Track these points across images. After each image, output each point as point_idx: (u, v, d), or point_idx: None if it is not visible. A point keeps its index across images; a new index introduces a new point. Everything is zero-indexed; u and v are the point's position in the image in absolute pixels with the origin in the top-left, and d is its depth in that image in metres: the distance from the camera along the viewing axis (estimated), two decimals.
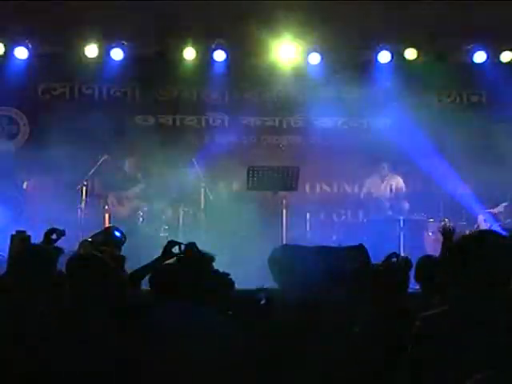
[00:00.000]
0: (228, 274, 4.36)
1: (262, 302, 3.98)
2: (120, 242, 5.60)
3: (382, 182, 10.93)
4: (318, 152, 11.12)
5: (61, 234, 4.79)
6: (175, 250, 4.47)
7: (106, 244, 5.04)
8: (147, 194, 10.32)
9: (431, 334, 3.18)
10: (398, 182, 10.87)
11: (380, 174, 10.96)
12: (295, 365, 3.86)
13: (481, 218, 10.28)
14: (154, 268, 4.29)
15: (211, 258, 4.15)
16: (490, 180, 10.56)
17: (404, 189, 10.84)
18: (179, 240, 4.69)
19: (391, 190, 10.77)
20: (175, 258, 4.41)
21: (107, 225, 9.80)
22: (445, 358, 3.13)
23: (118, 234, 5.78)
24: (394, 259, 4.84)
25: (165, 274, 3.94)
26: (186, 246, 4.54)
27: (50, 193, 10.43)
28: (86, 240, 5.56)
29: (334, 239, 10.69)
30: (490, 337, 2.90)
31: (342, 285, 4.28)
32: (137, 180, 10.49)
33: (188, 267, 3.93)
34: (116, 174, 10.40)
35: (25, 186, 10.51)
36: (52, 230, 4.75)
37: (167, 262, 4.38)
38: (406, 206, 10.66)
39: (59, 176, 10.52)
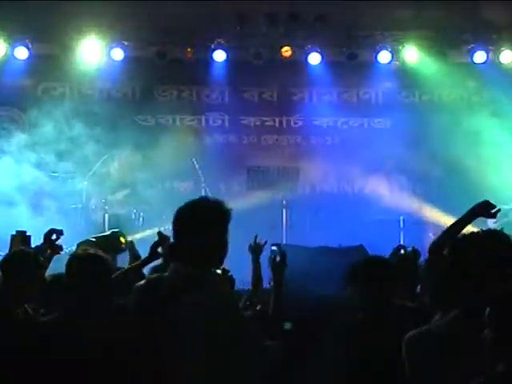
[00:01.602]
0: (228, 271, 4.36)
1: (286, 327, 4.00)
2: (118, 249, 5.51)
3: (388, 180, 10.90)
4: (318, 152, 11.11)
5: (60, 234, 4.78)
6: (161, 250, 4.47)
7: (106, 246, 5.00)
8: (130, 200, 10.23)
9: (413, 355, 3.22)
10: (401, 182, 10.86)
11: (385, 171, 10.94)
12: (296, 363, 3.87)
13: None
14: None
15: None
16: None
17: (407, 190, 10.84)
18: None
19: (392, 190, 10.78)
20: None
21: (107, 225, 9.80)
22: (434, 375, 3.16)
23: (122, 240, 5.72)
24: (402, 251, 4.86)
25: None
26: (170, 245, 4.56)
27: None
28: (89, 239, 5.54)
29: (334, 239, 10.67)
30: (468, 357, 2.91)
31: (341, 284, 4.28)
32: (123, 185, 10.40)
33: None
34: (104, 177, 10.33)
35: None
36: (51, 231, 4.75)
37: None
38: (407, 205, 10.67)
39: (59, 176, 10.54)
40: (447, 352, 3.24)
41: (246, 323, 2.77)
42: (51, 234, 4.73)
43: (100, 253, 3.73)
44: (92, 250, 3.85)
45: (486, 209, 4.29)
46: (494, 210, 4.27)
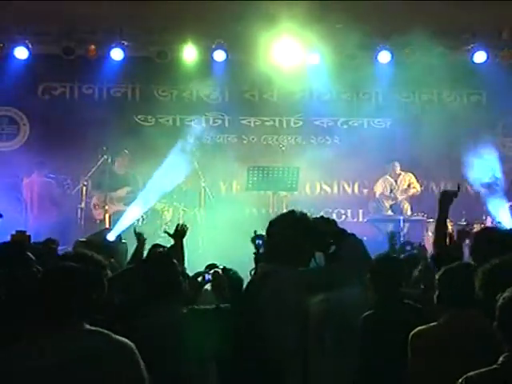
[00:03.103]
0: (230, 270, 4.35)
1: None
2: (110, 247, 5.49)
3: (396, 180, 10.86)
4: (318, 152, 11.10)
5: (57, 245, 4.85)
6: None
7: (101, 246, 5.02)
8: (132, 197, 10.20)
9: (423, 348, 3.28)
10: (411, 181, 10.82)
11: (391, 173, 10.91)
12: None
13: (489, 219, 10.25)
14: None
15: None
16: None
17: (419, 189, 10.84)
18: None
19: (392, 190, 10.76)
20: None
21: (107, 225, 9.81)
22: (435, 371, 3.17)
23: (111, 237, 5.73)
24: (408, 247, 4.86)
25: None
26: (168, 248, 4.60)
27: (50, 193, 10.45)
28: (81, 240, 5.55)
29: None
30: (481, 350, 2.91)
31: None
32: (125, 182, 10.39)
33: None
34: (106, 175, 10.29)
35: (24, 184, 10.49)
36: (49, 241, 4.79)
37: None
38: (406, 206, 10.67)
39: (59, 176, 10.53)
40: (452, 350, 3.23)
41: None
42: (49, 245, 4.78)
43: (85, 251, 3.72)
44: (79, 250, 3.87)
45: (450, 196, 4.59)
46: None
